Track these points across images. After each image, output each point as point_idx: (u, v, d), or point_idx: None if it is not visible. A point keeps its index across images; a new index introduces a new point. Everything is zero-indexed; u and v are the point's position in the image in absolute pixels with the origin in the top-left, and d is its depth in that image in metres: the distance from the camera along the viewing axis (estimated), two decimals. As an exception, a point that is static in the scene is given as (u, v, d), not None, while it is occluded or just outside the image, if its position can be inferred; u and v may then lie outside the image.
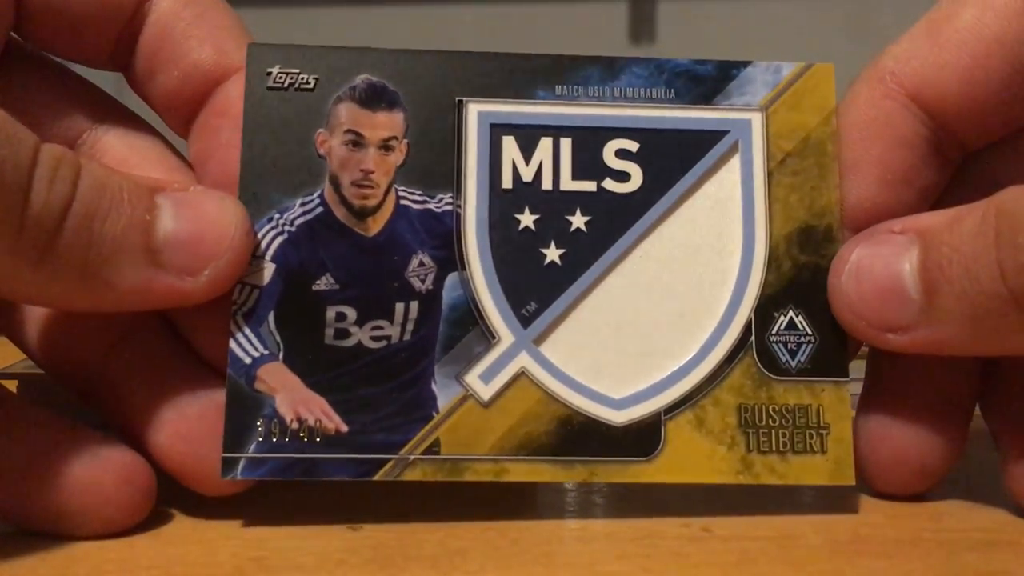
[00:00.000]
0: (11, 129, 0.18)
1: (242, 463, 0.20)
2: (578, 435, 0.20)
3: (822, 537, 0.20)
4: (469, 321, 0.21)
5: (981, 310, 0.19)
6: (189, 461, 0.20)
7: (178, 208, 0.19)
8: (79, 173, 0.18)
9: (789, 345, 0.21)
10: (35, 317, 0.22)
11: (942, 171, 0.22)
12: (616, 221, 0.21)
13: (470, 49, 0.22)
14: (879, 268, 0.20)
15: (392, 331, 0.21)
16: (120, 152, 0.22)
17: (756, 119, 0.22)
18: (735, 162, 0.22)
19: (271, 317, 0.20)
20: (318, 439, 0.20)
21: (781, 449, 0.21)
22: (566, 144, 0.22)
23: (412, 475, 0.20)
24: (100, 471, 0.20)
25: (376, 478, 0.20)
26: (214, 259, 0.19)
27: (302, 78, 0.21)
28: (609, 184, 0.21)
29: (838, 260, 0.21)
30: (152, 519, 0.21)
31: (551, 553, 0.19)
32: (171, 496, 0.22)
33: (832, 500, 0.22)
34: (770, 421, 0.21)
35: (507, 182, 0.21)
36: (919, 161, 0.22)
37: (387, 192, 0.21)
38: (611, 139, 0.22)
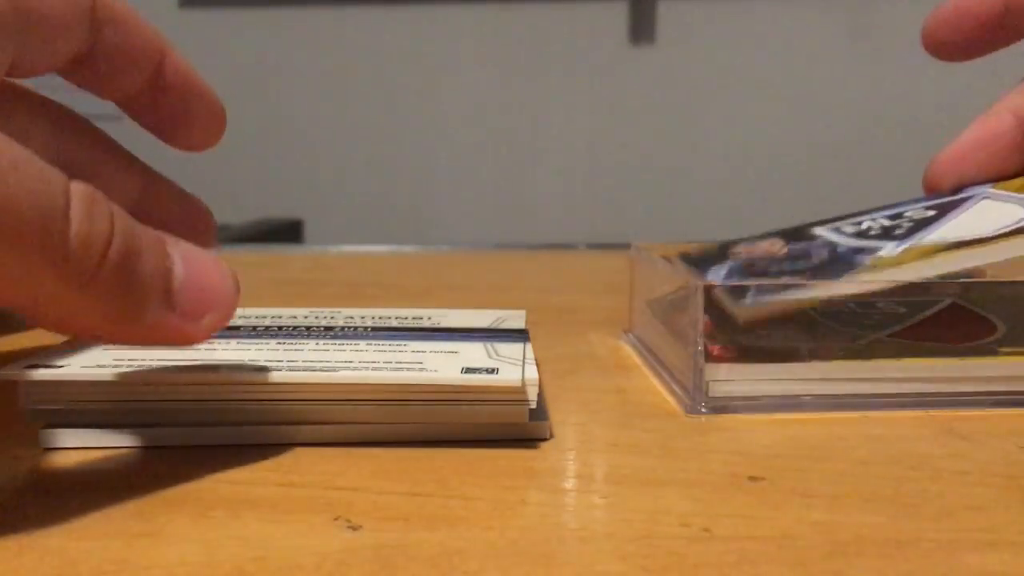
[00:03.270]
0: (39, 165, 0.19)
1: None
2: None
3: (822, 537, 0.20)
4: None
5: None
6: None
7: (185, 260, 0.22)
8: (113, 212, 0.20)
9: None
10: None
11: None
12: None
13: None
14: None
15: None
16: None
17: None
18: None
19: None
20: None
21: None
22: None
23: None
24: None
25: None
26: (214, 308, 0.22)
27: None
28: None
29: None
30: (152, 519, 0.21)
31: (551, 553, 0.19)
32: (171, 495, 0.22)
33: (832, 500, 0.22)
34: None
35: None
36: None
37: None
38: None
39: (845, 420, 0.28)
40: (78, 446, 0.25)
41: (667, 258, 0.35)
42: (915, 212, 0.29)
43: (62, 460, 0.25)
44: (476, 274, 0.59)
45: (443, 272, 0.59)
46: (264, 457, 0.25)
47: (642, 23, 1.83)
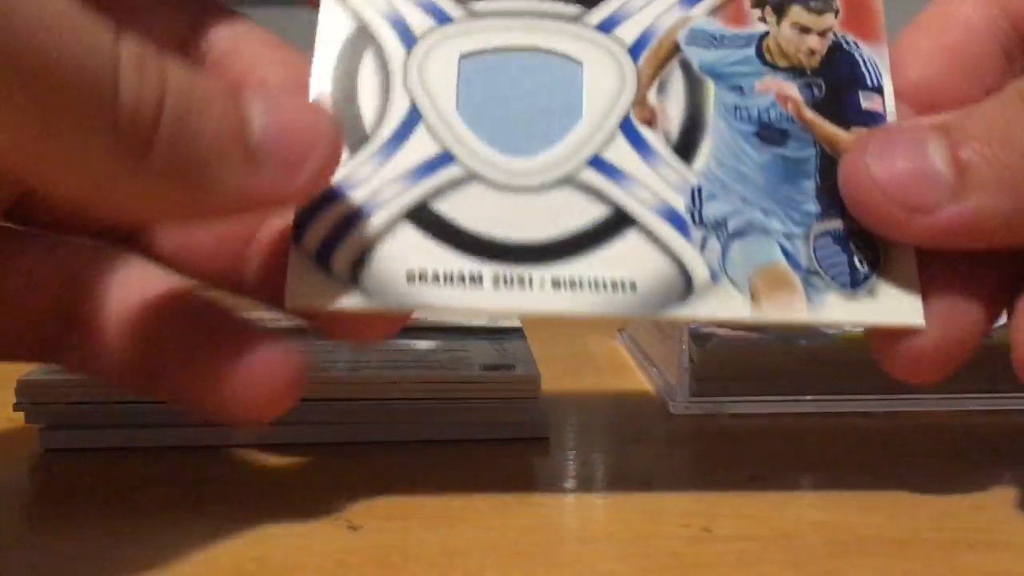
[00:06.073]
0: (86, 19, 0.16)
1: None
2: None
3: (822, 537, 0.20)
4: None
5: (1020, 174, 0.19)
6: None
7: (267, 103, 0.19)
8: (166, 67, 0.17)
9: None
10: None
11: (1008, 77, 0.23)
12: None
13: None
14: (904, 150, 0.20)
15: None
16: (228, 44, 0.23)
17: None
18: None
19: None
20: None
21: None
22: None
23: None
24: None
25: None
26: (311, 154, 0.19)
27: None
28: None
29: (857, 146, 0.21)
30: (152, 519, 0.21)
31: (551, 553, 0.19)
32: (171, 495, 0.22)
33: (832, 500, 0.22)
34: None
35: None
36: (988, 59, 0.23)
37: None
38: None
39: (845, 420, 0.28)
40: (77, 446, 0.25)
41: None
42: None
43: (62, 460, 0.25)
44: (476, 274, 0.59)
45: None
46: (264, 457, 0.25)
47: (642, 23, 1.82)
